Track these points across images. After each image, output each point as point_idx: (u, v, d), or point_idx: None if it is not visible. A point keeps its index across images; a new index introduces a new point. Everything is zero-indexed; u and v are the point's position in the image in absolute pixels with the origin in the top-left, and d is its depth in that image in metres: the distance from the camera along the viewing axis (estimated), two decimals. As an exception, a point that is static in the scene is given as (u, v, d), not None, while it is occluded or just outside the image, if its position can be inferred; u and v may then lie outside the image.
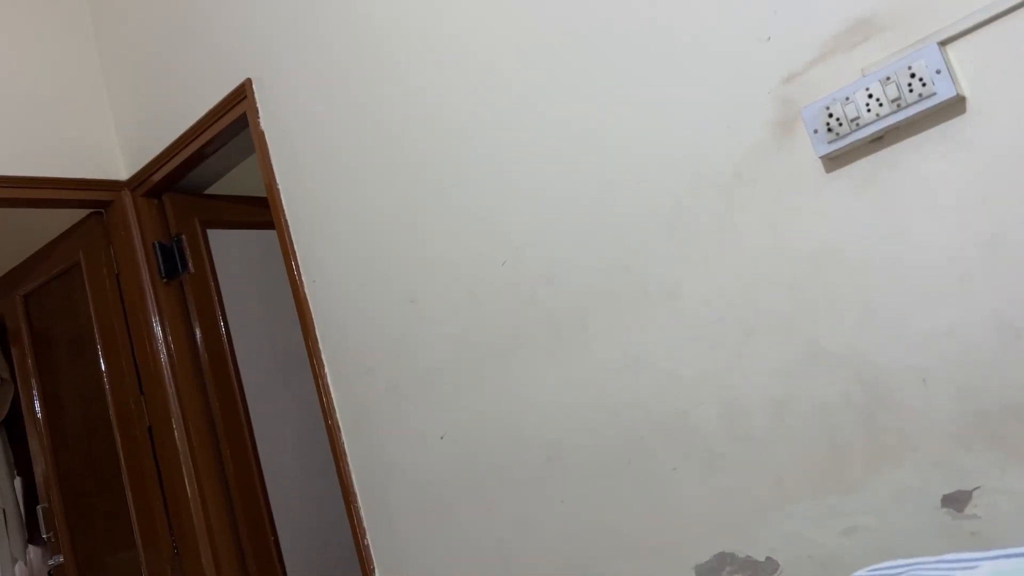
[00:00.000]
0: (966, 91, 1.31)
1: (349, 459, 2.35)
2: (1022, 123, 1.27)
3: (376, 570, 2.30)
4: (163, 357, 2.87)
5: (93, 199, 2.92)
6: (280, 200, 2.47)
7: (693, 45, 1.60)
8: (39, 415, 3.27)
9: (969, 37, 1.31)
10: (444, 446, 2.11)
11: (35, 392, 3.29)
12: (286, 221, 2.46)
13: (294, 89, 2.41)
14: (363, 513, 2.33)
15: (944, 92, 1.31)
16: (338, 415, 2.37)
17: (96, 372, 3.03)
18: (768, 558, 1.57)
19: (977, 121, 1.31)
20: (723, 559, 1.64)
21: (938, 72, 1.31)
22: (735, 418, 1.59)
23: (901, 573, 0.99)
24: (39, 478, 3.31)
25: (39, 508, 3.27)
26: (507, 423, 1.96)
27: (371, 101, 2.20)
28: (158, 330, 2.89)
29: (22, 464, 3.89)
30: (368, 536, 2.32)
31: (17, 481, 3.96)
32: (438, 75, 2.04)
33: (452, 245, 2.04)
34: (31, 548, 3.95)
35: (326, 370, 2.39)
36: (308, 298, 2.42)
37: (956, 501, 1.35)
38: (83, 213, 3.07)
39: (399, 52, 2.13)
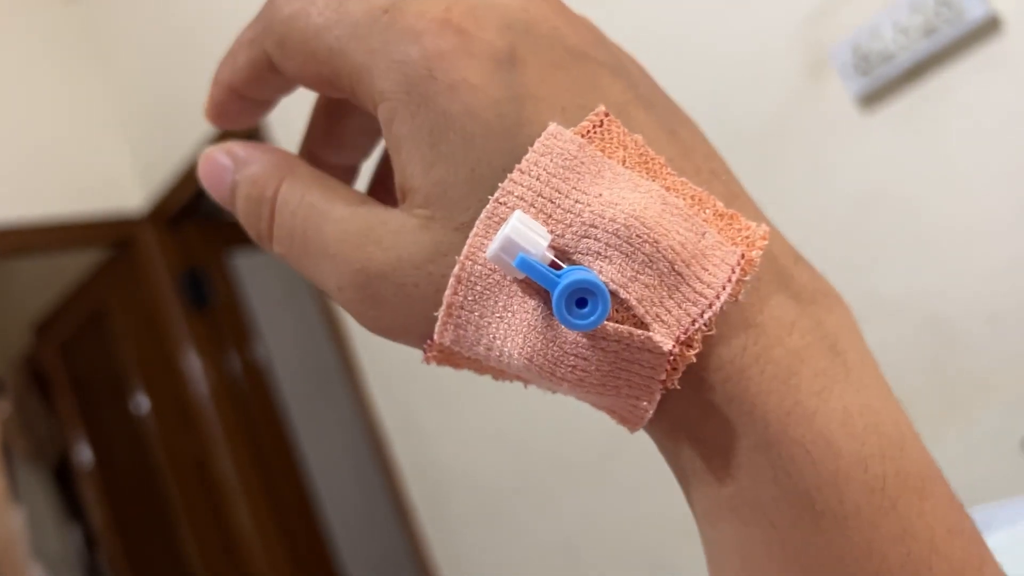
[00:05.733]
0: (999, 9, 1.24)
1: (403, 470, 2.31)
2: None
3: (442, 581, 2.26)
4: (204, 389, 2.85)
5: (115, 236, 2.91)
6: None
7: None
8: (90, 462, 3.27)
9: (999, -51, 1.24)
10: (499, 445, 2.06)
11: (83, 440, 3.29)
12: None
13: (305, 96, 2.37)
14: (424, 526, 2.29)
15: (976, 13, 1.24)
16: (386, 424, 2.33)
17: (140, 412, 3.02)
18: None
19: (1016, 38, 1.24)
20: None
21: (968, -9, 1.24)
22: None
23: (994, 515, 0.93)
24: (97, 525, 3.31)
25: (100, 557, 3.28)
26: (562, 416, 1.91)
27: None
28: (196, 362, 2.86)
29: (77, 513, 3.91)
30: (431, 547, 2.28)
31: (76, 531, 3.97)
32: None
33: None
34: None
35: (368, 379, 2.35)
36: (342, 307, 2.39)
37: (1039, 442, 1.28)
38: (107, 249, 3.06)
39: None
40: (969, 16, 1.24)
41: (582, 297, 0.20)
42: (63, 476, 3.73)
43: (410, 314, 0.23)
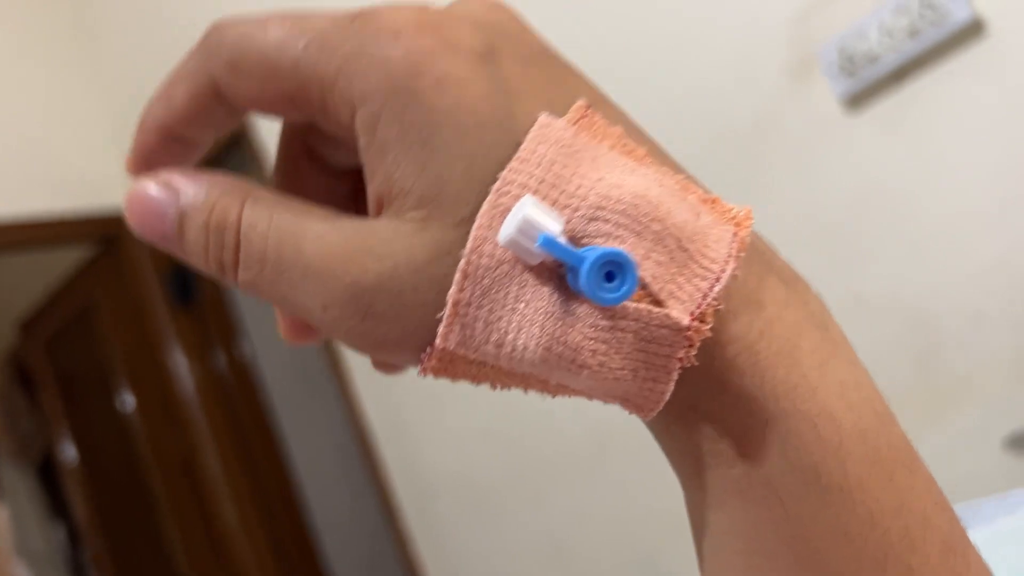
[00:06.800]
0: (983, 12, 1.25)
1: (389, 467, 2.31)
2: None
3: (428, 578, 2.26)
4: (189, 387, 2.84)
5: (101, 233, 2.89)
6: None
7: None
8: (74, 459, 3.25)
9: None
10: (486, 443, 2.06)
11: (68, 437, 3.27)
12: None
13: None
14: (411, 524, 2.28)
15: (960, 15, 1.25)
16: (373, 422, 2.33)
17: (126, 409, 3.01)
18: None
19: (999, 41, 1.25)
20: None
21: (953, -6, 1.25)
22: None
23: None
24: (81, 523, 3.29)
25: (84, 555, 3.25)
26: (549, 414, 1.91)
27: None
28: (182, 360, 2.85)
29: (61, 511, 3.89)
30: (418, 545, 2.28)
31: (60, 528, 3.95)
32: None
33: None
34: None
35: (355, 376, 2.35)
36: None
37: (1021, 441, 1.29)
38: (93, 246, 3.04)
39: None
40: (953, 18, 1.25)
41: (609, 271, 0.20)
42: (47, 473, 3.72)
43: (407, 324, 0.22)
